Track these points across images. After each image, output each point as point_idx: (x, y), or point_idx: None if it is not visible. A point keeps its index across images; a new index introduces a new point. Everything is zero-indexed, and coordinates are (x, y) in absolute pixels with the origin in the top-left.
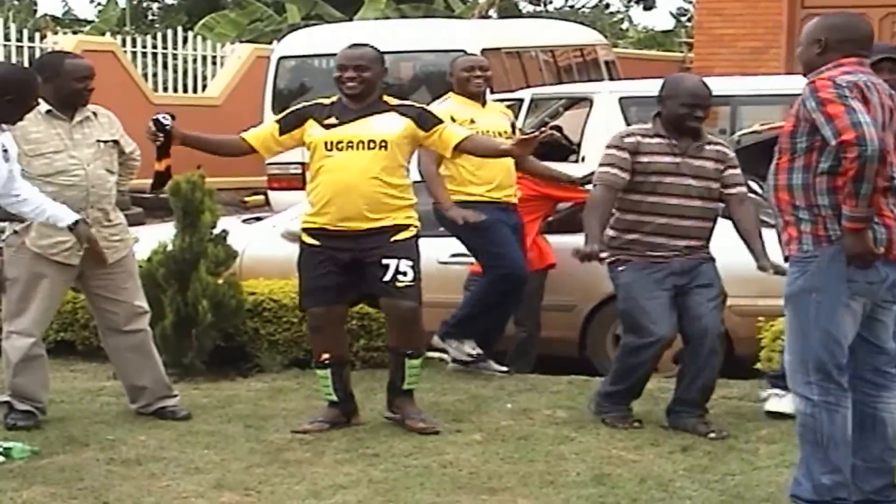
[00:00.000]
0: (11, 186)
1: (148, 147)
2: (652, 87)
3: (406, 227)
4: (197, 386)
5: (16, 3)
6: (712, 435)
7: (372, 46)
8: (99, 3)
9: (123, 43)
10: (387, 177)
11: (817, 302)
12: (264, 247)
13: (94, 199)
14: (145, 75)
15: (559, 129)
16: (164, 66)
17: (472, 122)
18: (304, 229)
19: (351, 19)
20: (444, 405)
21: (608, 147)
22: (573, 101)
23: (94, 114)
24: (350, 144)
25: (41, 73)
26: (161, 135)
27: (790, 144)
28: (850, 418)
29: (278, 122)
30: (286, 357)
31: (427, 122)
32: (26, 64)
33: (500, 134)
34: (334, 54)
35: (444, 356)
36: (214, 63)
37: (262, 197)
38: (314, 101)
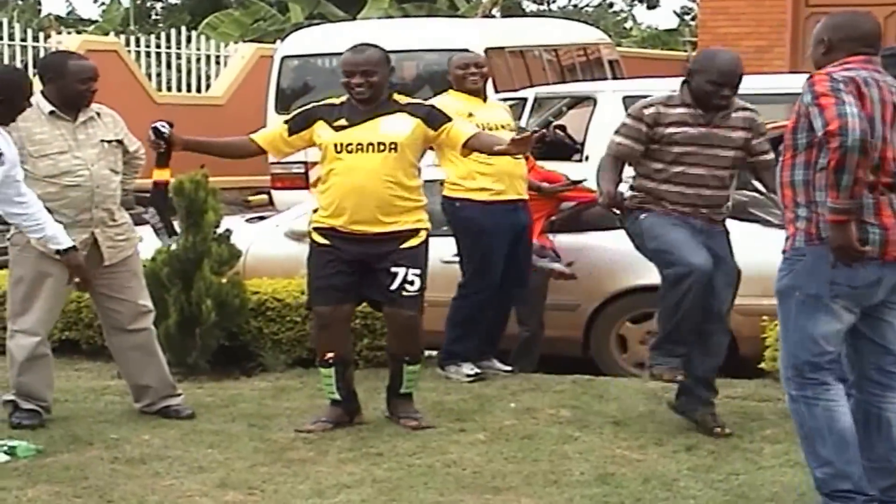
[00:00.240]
0: (10, 192)
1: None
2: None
3: (416, 232)
4: (201, 385)
5: (20, 2)
6: (718, 430)
7: (376, 47)
8: (103, 3)
9: (127, 43)
10: (397, 179)
11: (799, 300)
12: (268, 246)
13: (98, 200)
14: (149, 75)
15: (563, 128)
16: (168, 65)
17: (471, 115)
18: (315, 228)
19: (354, 18)
20: (448, 404)
21: (627, 117)
22: (577, 101)
23: (98, 114)
24: (360, 147)
25: (45, 73)
26: (161, 142)
27: (792, 141)
28: (839, 412)
29: (287, 123)
30: (290, 356)
31: (436, 120)
32: (30, 64)
33: (500, 126)
34: (338, 54)
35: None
36: (218, 62)
37: (265, 196)
38: (323, 102)
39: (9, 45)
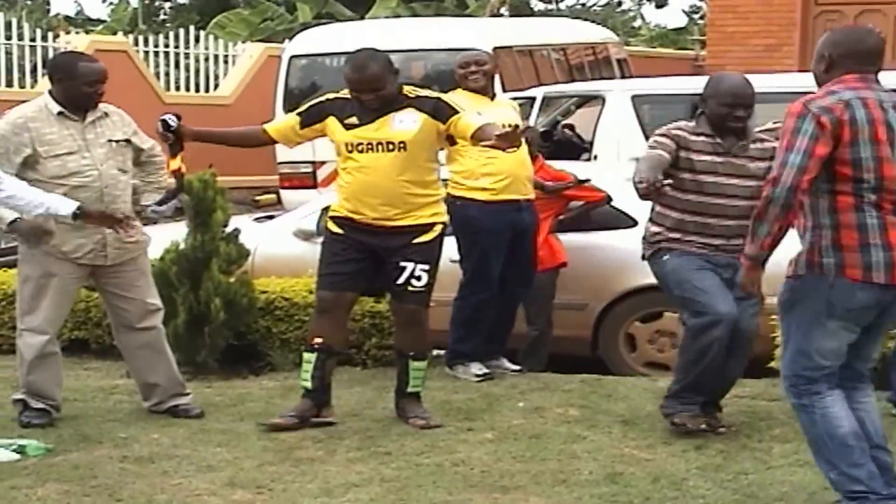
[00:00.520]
0: None
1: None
2: (664, 84)
3: (431, 226)
4: (209, 384)
5: (29, 2)
6: (722, 430)
7: (377, 57)
8: (111, 3)
9: (136, 42)
10: (410, 176)
11: (797, 316)
12: (276, 245)
13: (108, 200)
14: (157, 74)
15: (571, 127)
16: (176, 65)
17: (479, 115)
18: (331, 217)
19: (362, 18)
20: (456, 403)
21: (655, 135)
22: (585, 100)
23: (106, 113)
24: (370, 146)
25: (54, 73)
26: (170, 134)
27: None
28: (836, 419)
29: (300, 114)
30: (298, 355)
31: (443, 113)
32: (39, 63)
33: (507, 126)
34: (346, 53)
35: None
36: (226, 62)
37: (273, 196)
38: (336, 96)
39: (18, 45)
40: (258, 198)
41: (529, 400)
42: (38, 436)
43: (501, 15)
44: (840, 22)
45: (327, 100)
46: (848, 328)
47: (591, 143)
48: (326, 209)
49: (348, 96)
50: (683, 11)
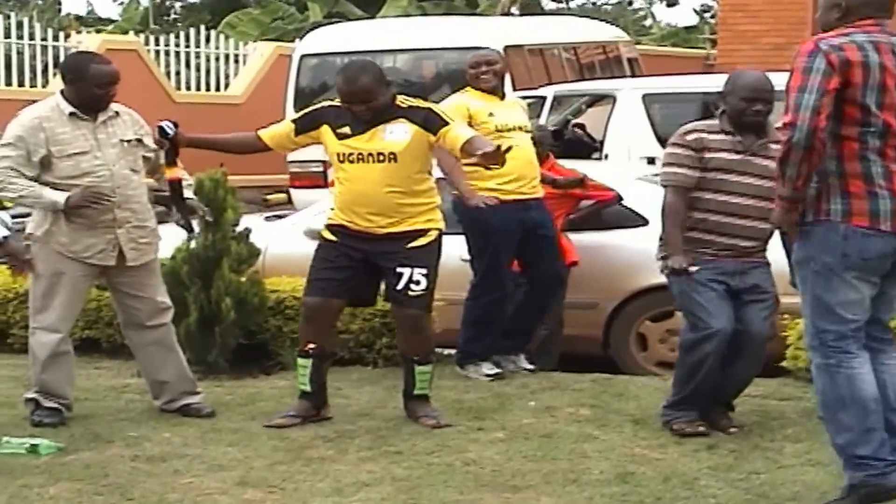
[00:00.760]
0: None
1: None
2: (675, 83)
3: (425, 231)
4: (220, 383)
5: (40, 2)
6: (734, 429)
7: (368, 68)
8: (122, 2)
9: (146, 42)
10: (401, 186)
11: (814, 271)
12: (287, 245)
13: (120, 200)
14: (168, 74)
15: (582, 126)
16: (187, 64)
17: (491, 115)
18: (326, 225)
19: (373, 17)
20: (467, 403)
21: (671, 145)
22: (596, 99)
23: (117, 113)
24: (360, 157)
25: (66, 73)
26: (166, 141)
27: None
28: (861, 380)
29: (294, 122)
30: None
31: (433, 124)
32: (50, 63)
33: (518, 128)
34: (357, 52)
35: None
36: (237, 61)
37: (283, 195)
38: (329, 104)
39: (29, 45)
40: (269, 197)
41: (540, 399)
42: (50, 434)
43: (512, 14)
44: None
45: (322, 107)
46: (866, 279)
47: (602, 143)
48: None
49: (344, 105)
50: (694, 10)
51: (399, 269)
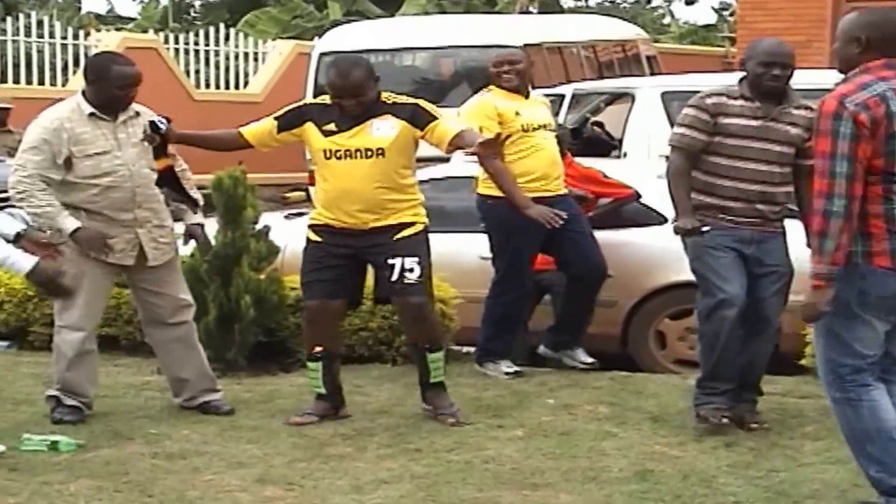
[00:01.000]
0: None
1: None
2: (694, 81)
3: (411, 224)
4: (239, 381)
5: (60, 0)
6: (754, 426)
7: (360, 63)
8: (142, 1)
9: (166, 40)
10: (387, 182)
11: (831, 307)
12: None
13: (140, 199)
14: (187, 72)
15: (600, 124)
16: (206, 62)
17: (518, 114)
18: (310, 226)
19: (392, 15)
20: (486, 401)
21: (688, 107)
22: (615, 97)
23: (137, 113)
24: (348, 153)
25: (87, 73)
26: (157, 136)
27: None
28: (883, 411)
29: (277, 119)
30: None
31: (420, 120)
32: (70, 61)
33: (543, 127)
34: (376, 50)
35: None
36: (256, 60)
37: (303, 193)
38: (314, 102)
39: (49, 44)
40: (288, 195)
41: (559, 397)
42: (70, 432)
43: (531, 12)
44: None
45: (305, 105)
46: (881, 317)
47: (621, 141)
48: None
49: (327, 102)
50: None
51: (390, 261)
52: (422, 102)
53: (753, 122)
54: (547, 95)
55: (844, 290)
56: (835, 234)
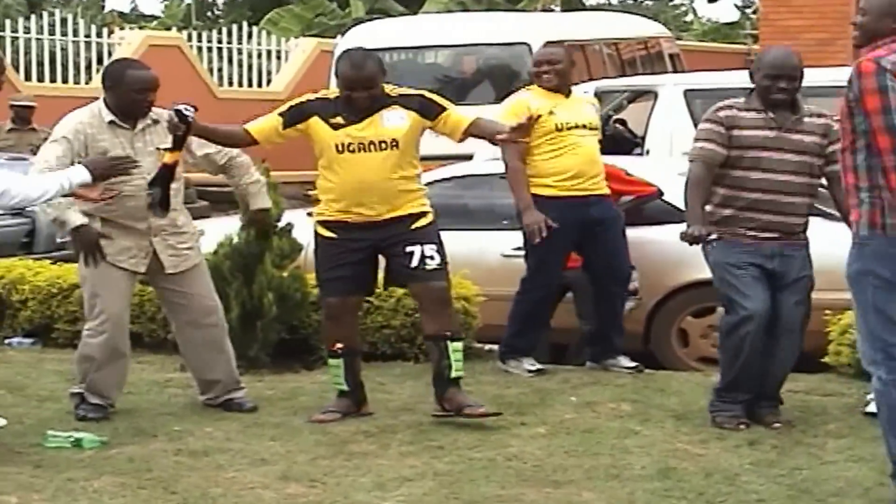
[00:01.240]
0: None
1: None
2: (717, 79)
3: (424, 214)
4: (261, 378)
5: None
6: (777, 425)
7: (372, 55)
8: None
9: (189, 38)
10: (401, 172)
11: (875, 285)
12: None
13: None
14: (210, 70)
15: (623, 122)
16: (229, 60)
17: (552, 112)
18: (320, 222)
19: (415, 13)
20: (508, 398)
21: (703, 121)
22: (637, 94)
23: (156, 120)
24: (362, 146)
25: (104, 80)
26: (182, 126)
27: (851, 125)
28: None
29: (282, 115)
30: None
31: (430, 110)
32: (94, 59)
33: (582, 125)
34: (399, 48)
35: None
36: (279, 57)
37: None
38: (317, 96)
39: (73, 42)
40: (310, 192)
41: (581, 395)
42: (94, 429)
43: (553, 9)
44: None
45: (308, 100)
46: None
47: (644, 138)
48: (320, 203)
49: (330, 97)
50: (736, 6)
51: (409, 248)
52: (427, 93)
53: (769, 133)
54: None
55: (885, 266)
56: None
